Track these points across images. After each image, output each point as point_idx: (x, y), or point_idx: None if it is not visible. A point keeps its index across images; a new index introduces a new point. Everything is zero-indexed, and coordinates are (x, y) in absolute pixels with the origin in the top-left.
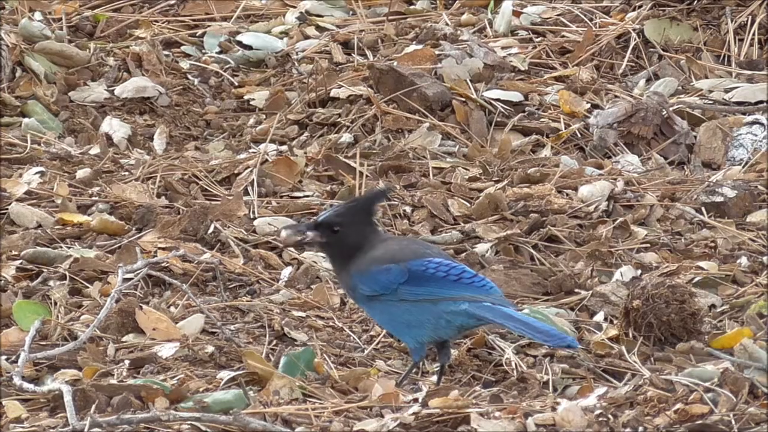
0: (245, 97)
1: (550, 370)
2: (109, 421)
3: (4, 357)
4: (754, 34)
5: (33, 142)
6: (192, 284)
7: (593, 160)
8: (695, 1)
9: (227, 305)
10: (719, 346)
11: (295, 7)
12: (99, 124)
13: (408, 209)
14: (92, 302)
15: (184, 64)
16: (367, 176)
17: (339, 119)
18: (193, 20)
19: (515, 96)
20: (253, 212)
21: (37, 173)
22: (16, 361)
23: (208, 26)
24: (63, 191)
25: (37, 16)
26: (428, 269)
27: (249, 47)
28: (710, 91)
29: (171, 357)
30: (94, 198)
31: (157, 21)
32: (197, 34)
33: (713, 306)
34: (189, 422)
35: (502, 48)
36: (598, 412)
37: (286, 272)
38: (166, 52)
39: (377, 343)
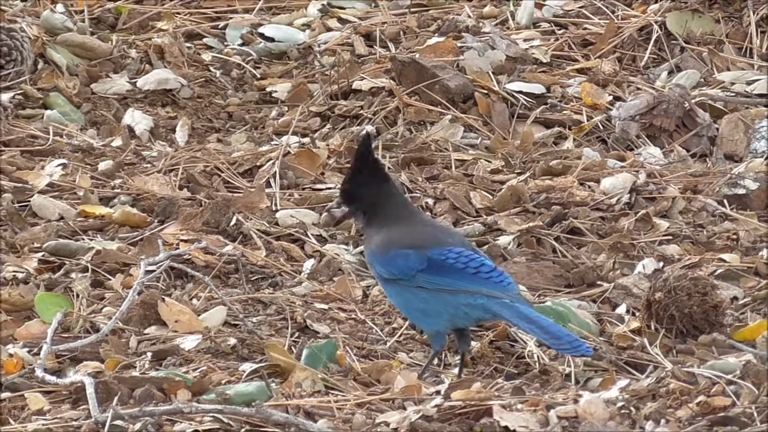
0: (267, 89)
1: (573, 363)
2: (132, 413)
3: (26, 349)
4: None
5: (55, 134)
6: (214, 276)
7: (615, 152)
8: None
9: (249, 297)
10: (741, 338)
11: (317, 0)
12: (121, 116)
13: (430, 201)
14: (114, 294)
15: (207, 56)
16: (389, 168)
17: (361, 111)
18: (216, 12)
19: (537, 88)
20: (276, 204)
21: (59, 165)
22: (38, 354)
23: (230, 18)
24: (85, 183)
25: (59, 8)
26: (448, 259)
27: (271, 39)
28: (732, 83)
29: (193, 349)
30: (116, 190)
31: (179, 13)
32: (219, 27)
33: (735, 298)
34: (211, 414)
35: (525, 40)
36: (620, 404)
37: (309, 264)
38: (188, 44)
39: (400, 336)
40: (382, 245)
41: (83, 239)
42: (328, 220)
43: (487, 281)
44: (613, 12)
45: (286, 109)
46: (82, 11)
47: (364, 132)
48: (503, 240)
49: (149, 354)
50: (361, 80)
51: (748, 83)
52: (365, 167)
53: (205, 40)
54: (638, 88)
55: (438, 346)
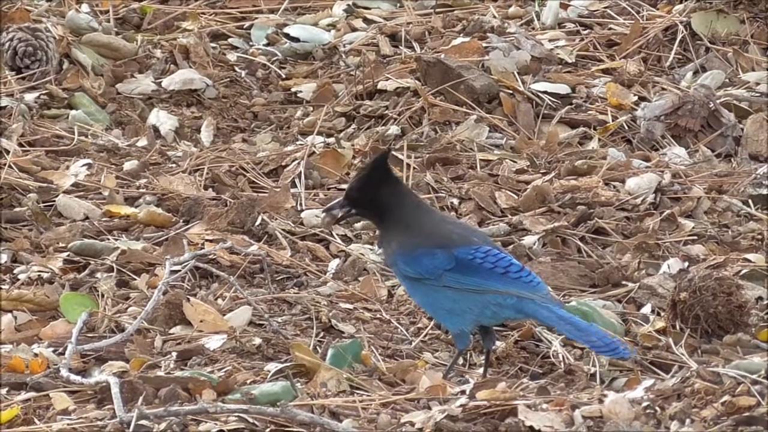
0: (292, 90)
1: (597, 363)
2: (157, 413)
3: (51, 349)
4: None
5: (80, 134)
6: (239, 276)
7: (640, 152)
8: None
9: (275, 297)
10: (766, 338)
11: (342, 0)
12: (146, 116)
13: (455, 201)
14: (139, 294)
15: (232, 57)
16: (414, 168)
17: (386, 111)
18: (241, 12)
19: (562, 88)
20: (301, 204)
21: (84, 165)
22: (63, 353)
23: (256, 18)
24: (110, 183)
25: (84, 8)
26: (476, 258)
27: (296, 39)
28: (757, 84)
29: (218, 349)
30: (141, 190)
31: (204, 13)
32: (244, 27)
33: (760, 298)
34: (236, 414)
35: (550, 40)
36: (645, 404)
37: (334, 264)
38: (213, 45)
39: (425, 335)
40: (406, 244)
41: (108, 239)
42: (330, 220)
43: (517, 281)
44: (638, 12)
45: (311, 109)
46: (107, 11)
47: (385, 149)
48: (528, 240)
49: (174, 354)
50: (387, 80)
51: None
52: (376, 175)
53: (230, 40)
54: (663, 89)
55: (463, 345)
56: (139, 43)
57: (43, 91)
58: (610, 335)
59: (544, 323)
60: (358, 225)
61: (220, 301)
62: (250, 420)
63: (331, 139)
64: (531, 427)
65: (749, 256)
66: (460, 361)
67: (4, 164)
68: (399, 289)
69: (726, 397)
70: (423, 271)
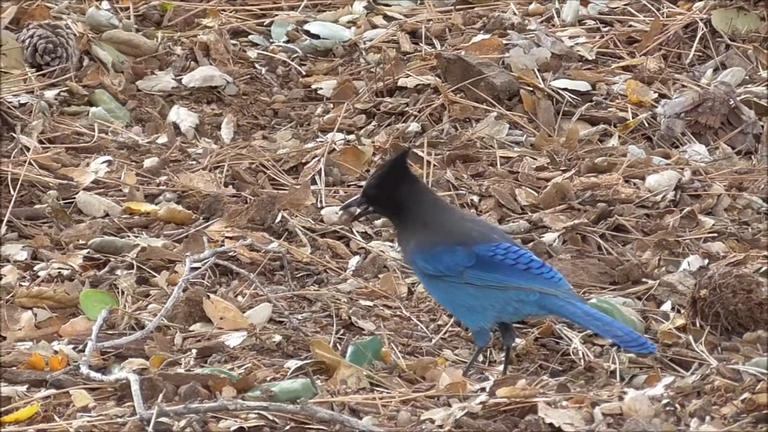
0: (313, 87)
1: (617, 360)
2: (177, 410)
3: (71, 346)
4: None
5: (100, 131)
6: (259, 273)
7: (660, 149)
8: None
9: (294, 294)
10: None
11: None
12: (166, 113)
13: (475, 198)
14: (159, 291)
15: (252, 54)
16: (434, 165)
17: (406, 108)
18: (261, 9)
19: (583, 85)
20: (321, 201)
21: (104, 162)
22: (83, 351)
23: (276, 15)
24: (130, 180)
25: (105, 5)
26: (496, 255)
27: (316, 36)
28: None
29: (238, 346)
30: (161, 187)
31: (224, 10)
32: (264, 24)
33: None
34: (256, 411)
35: (570, 37)
36: (665, 401)
37: (354, 261)
38: (233, 42)
39: (445, 333)
40: (425, 242)
41: (128, 236)
42: (348, 217)
43: (539, 277)
44: (658, 9)
45: (332, 106)
46: (128, 8)
47: (406, 147)
48: (548, 237)
49: (194, 351)
50: (407, 77)
51: None
52: (395, 173)
53: (250, 37)
54: (683, 86)
55: (482, 342)
56: (159, 40)
57: (64, 88)
58: (635, 332)
59: (569, 319)
60: (378, 222)
61: (240, 298)
62: (270, 417)
63: (352, 136)
64: (551, 424)
65: None
66: (480, 358)
67: (25, 161)
68: (419, 287)
69: (746, 395)
70: (443, 269)
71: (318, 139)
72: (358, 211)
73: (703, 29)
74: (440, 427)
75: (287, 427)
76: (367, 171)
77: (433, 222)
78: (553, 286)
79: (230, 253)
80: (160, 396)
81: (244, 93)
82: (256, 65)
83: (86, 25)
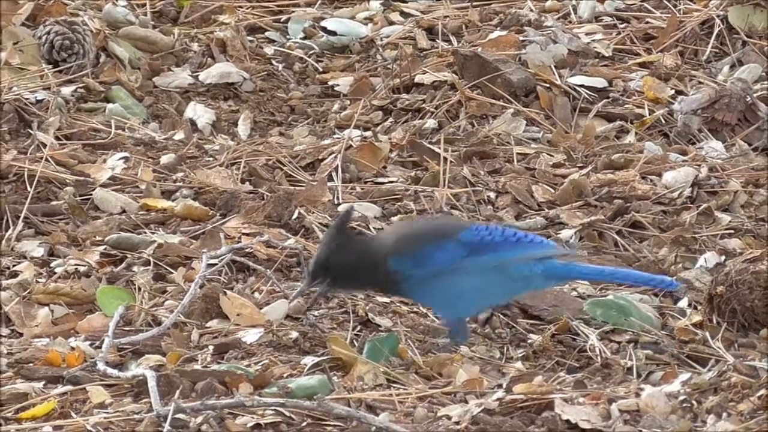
0: (329, 83)
1: (634, 356)
2: (193, 407)
3: (88, 342)
4: None
5: (117, 128)
6: (276, 270)
7: (677, 146)
8: None
9: (311, 291)
10: None
11: None
12: (183, 109)
13: (492, 195)
14: (176, 288)
15: (269, 50)
16: (451, 162)
17: (423, 105)
18: (277, 6)
19: (599, 82)
20: (338, 198)
21: (121, 159)
22: (100, 347)
23: (293, 12)
24: (147, 177)
25: (121, 1)
26: (483, 237)
27: (333, 33)
28: None
29: (255, 343)
30: (178, 183)
31: (241, 7)
32: (281, 20)
33: None
34: (273, 408)
35: (587, 34)
36: (681, 398)
37: None
38: (250, 38)
39: None
40: (403, 248)
41: (145, 232)
42: (299, 301)
43: (531, 244)
44: (675, 6)
45: (348, 102)
46: (144, 4)
47: (346, 208)
48: (565, 233)
49: (211, 347)
50: (424, 74)
51: None
52: (343, 237)
53: (267, 33)
54: (700, 82)
55: (464, 338)
56: (176, 36)
57: (80, 85)
58: (649, 274)
59: (586, 279)
60: (394, 219)
61: (256, 294)
62: (287, 413)
63: (368, 133)
64: (568, 420)
65: None
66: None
67: (41, 158)
68: None
69: (762, 391)
70: (439, 265)
71: (335, 136)
72: (317, 292)
73: (719, 26)
74: (457, 423)
75: (304, 424)
76: (384, 167)
77: (395, 236)
78: (549, 249)
79: (247, 250)
80: (177, 392)
81: (260, 89)
82: (273, 62)
83: (103, 22)
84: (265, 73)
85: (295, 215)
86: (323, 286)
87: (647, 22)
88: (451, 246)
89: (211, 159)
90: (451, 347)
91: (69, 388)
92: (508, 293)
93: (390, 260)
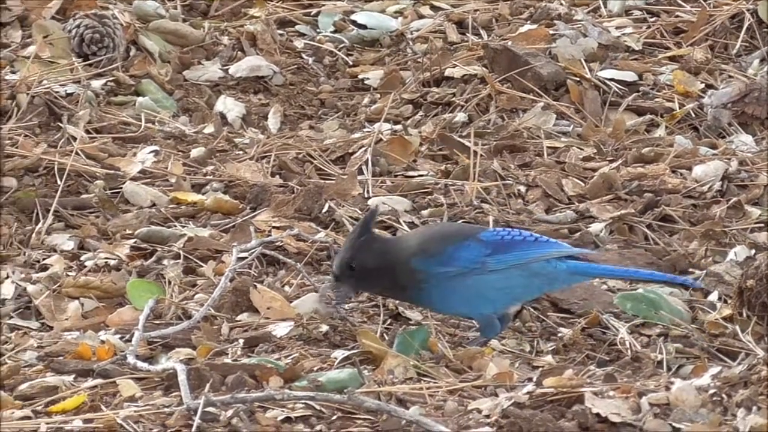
0: (360, 77)
1: (664, 350)
2: (223, 400)
3: (118, 336)
4: None
5: (147, 121)
6: (306, 263)
7: (707, 140)
8: None
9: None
10: None
11: None
12: (213, 103)
13: (522, 189)
14: (206, 281)
15: (299, 44)
16: (481, 155)
17: (453, 98)
18: (308, 0)
19: (629, 76)
20: (368, 191)
21: (151, 152)
22: (130, 340)
23: (323, 6)
24: (177, 170)
25: None
26: (503, 237)
27: (363, 27)
28: None
29: (285, 336)
30: (208, 177)
31: (271, 0)
32: (311, 14)
33: None
34: (303, 401)
35: (617, 28)
36: (712, 391)
37: None
38: (280, 32)
39: None
40: (427, 249)
41: (175, 226)
42: (326, 306)
43: (548, 243)
44: (705, 0)
45: (379, 96)
46: None
47: (371, 208)
48: (595, 227)
49: (241, 341)
50: (454, 67)
51: None
52: (366, 237)
53: (297, 27)
54: (730, 76)
55: (493, 333)
56: (206, 30)
57: (110, 78)
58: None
59: (609, 276)
60: (425, 212)
61: (287, 288)
62: (317, 407)
63: (398, 126)
64: (598, 414)
65: None
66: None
67: (71, 151)
68: None
69: None
70: (464, 263)
71: (365, 129)
72: (340, 296)
73: (749, 19)
74: (487, 416)
75: (334, 417)
76: (414, 161)
77: (418, 237)
78: (566, 249)
79: (277, 243)
80: (207, 386)
81: (290, 83)
82: (303, 55)
83: (133, 15)
84: (295, 66)
85: (326, 209)
86: (346, 288)
87: (677, 16)
88: (474, 245)
89: (241, 152)
90: (481, 342)
91: (99, 381)
92: (532, 291)
93: (414, 261)
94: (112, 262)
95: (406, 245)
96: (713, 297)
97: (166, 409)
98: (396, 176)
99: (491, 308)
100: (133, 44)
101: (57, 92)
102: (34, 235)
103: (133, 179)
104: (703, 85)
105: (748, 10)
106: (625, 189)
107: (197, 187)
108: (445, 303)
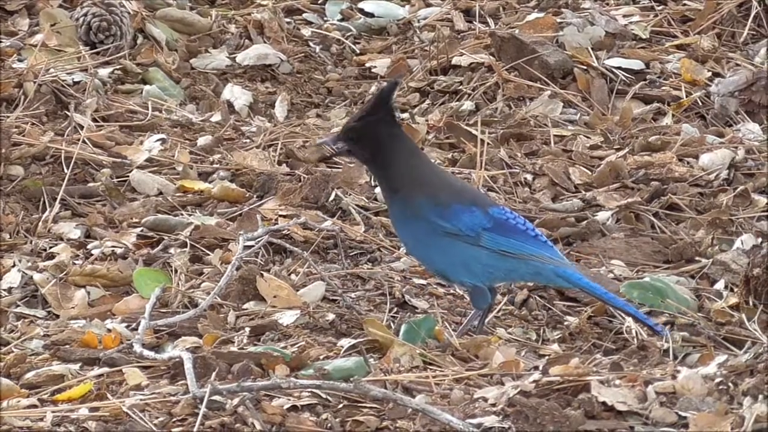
0: (367, 65)
1: (671, 338)
2: (230, 389)
3: (124, 324)
4: None
5: (154, 110)
6: (313, 252)
7: (714, 128)
8: None
9: (348, 273)
10: None
11: None
12: (220, 91)
13: (529, 177)
14: (213, 270)
15: (306, 32)
16: (488, 144)
17: (460, 87)
18: None
19: (636, 64)
20: (374, 180)
21: (158, 140)
22: (136, 329)
23: None
24: (184, 158)
25: None
26: (509, 219)
27: (371, 15)
28: None
29: (291, 324)
30: (215, 165)
31: None
32: (319, 2)
33: None
34: (309, 390)
35: (624, 16)
36: (718, 380)
37: None
38: (287, 20)
39: (498, 311)
40: (438, 198)
41: (182, 214)
42: (319, 154)
43: (545, 245)
44: None
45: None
46: None
47: (393, 80)
48: (602, 216)
49: (247, 329)
50: (461, 56)
51: None
52: (380, 111)
53: (304, 15)
54: (737, 65)
55: (484, 303)
56: (213, 18)
57: (117, 66)
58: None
59: (587, 291)
60: None
61: (293, 276)
62: (323, 395)
63: (406, 115)
64: (604, 402)
65: None
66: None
67: (78, 139)
68: None
69: None
70: (462, 227)
71: None
72: (335, 148)
73: (756, 8)
74: (493, 405)
75: (340, 406)
76: (421, 149)
77: (431, 177)
78: (558, 256)
79: (284, 232)
80: (213, 374)
81: (298, 71)
82: (310, 43)
83: (140, 3)
84: (303, 54)
85: (332, 197)
86: (341, 147)
87: (684, 5)
88: (478, 213)
89: (248, 141)
90: (476, 315)
91: (105, 369)
92: (515, 277)
93: (419, 199)
94: (118, 251)
95: (420, 180)
96: (720, 285)
97: (172, 398)
98: None
99: (471, 279)
100: (140, 32)
101: (64, 80)
102: (40, 223)
103: (140, 167)
104: (710, 74)
105: None
106: (631, 177)
107: (204, 176)
108: (419, 249)
